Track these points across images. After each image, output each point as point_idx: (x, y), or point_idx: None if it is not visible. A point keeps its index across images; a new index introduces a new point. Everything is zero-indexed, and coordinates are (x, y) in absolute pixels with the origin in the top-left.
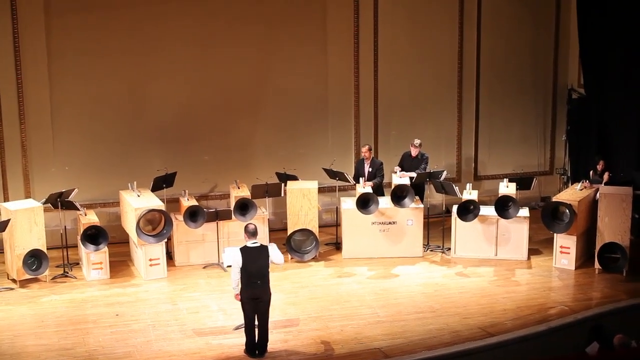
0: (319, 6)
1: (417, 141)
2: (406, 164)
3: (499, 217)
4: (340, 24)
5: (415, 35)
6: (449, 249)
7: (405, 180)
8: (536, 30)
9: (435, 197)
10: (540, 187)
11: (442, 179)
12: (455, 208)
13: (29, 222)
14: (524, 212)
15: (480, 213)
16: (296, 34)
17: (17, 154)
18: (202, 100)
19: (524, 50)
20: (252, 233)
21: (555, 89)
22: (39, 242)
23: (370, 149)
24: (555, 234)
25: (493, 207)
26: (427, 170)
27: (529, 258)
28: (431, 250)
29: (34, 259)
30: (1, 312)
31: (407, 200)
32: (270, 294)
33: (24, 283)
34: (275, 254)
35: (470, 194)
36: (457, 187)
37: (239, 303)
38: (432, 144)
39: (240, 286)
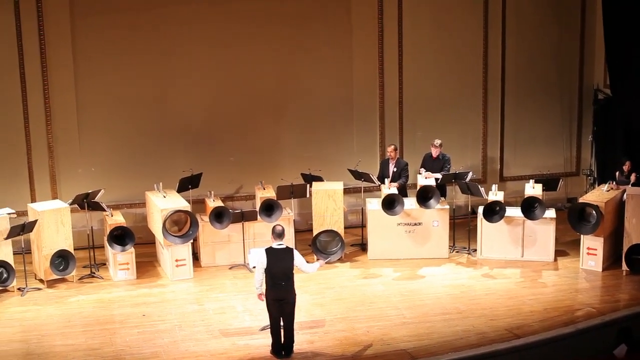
0: (344, 7)
1: (437, 141)
2: (427, 165)
3: (525, 219)
4: (365, 25)
5: (440, 36)
6: (475, 250)
7: (431, 181)
8: (561, 31)
9: (461, 198)
10: (566, 188)
11: (467, 179)
12: (481, 209)
13: (56, 223)
14: (551, 213)
15: (506, 214)
16: (321, 35)
17: (44, 155)
18: (227, 101)
19: (550, 51)
20: (278, 235)
21: (581, 89)
22: (66, 243)
23: (395, 149)
24: (582, 236)
25: (519, 208)
26: (451, 171)
27: (555, 259)
28: (457, 252)
29: (61, 259)
30: (29, 312)
31: (432, 202)
32: (295, 295)
33: (51, 283)
34: (304, 263)
35: (496, 195)
36: (482, 188)
37: (265, 304)
38: (458, 145)
39: (264, 286)
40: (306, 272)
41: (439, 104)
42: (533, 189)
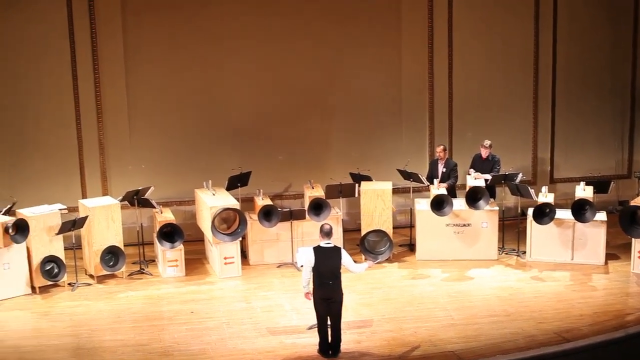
0: (394, 7)
1: (487, 142)
2: (477, 166)
3: (575, 221)
4: (415, 25)
5: (490, 37)
6: (524, 252)
7: (480, 182)
8: (614, 34)
9: (510, 200)
10: (617, 191)
11: (517, 181)
12: (530, 211)
13: (107, 219)
14: (601, 216)
15: (556, 216)
16: (371, 34)
17: (95, 152)
18: (277, 100)
19: (601, 52)
20: (326, 233)
21: (634, 91)
22: (116, 239)
23: (444, 149)
24: (633, 239)
25: (569, 210)
26: (501, 172)
27: (606, 263)
28: (506, 254)
29: (111, 255)
30: (79, 307)
31: (482, 203)
32: (342, 295)
33: (101, 279)
34: (351, 263)
35: (546, 196)
36: (532, 190)
37: (312, 303)
38: (508, 146)
39: (311, 285)
40: (354, 272)
41: (489, 104)
42: (584, 191)
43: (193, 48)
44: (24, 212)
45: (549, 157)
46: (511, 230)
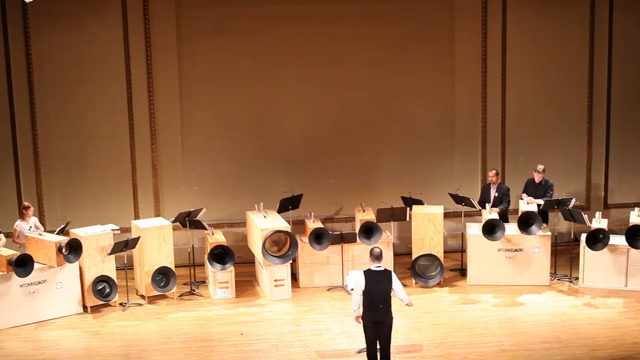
0: (447, 31)
1: (540, 167)
2: (530, 190)
3: (629, 247)
4: (469, 49)
5: (544, 61)
6: (577, 278)
7: (533, 207)
8: None
9: (563, 225)
10: None
11: (570, 206)
12: (584, 236)
13: (158, 240)
14: None
15: (610, 242)
16: (424, 58)
17: (148, 174)
18: (328, 123)
19: None
20: (376, 257)
21: None
22: (168, 260)
23: (497, 174)
24: None
25: (623, 236)
26: (554, 197)
27: None
28: (558, 279)
29: (162, 276)
30: (130, 327)
31: (534, 228)
32: (392, 319)
33: (152, 299)
34: (400, 289)
35: (599, 222)
36: (586, 215)
37: (362, 326)
38: (561, 171)
39: (361, 309)
40: (401, 298)
41: (542, 129)
42: (638, 217)
43: (246, 71)
44: (78, 232)
45: (602, 182)
46: (564, 256)
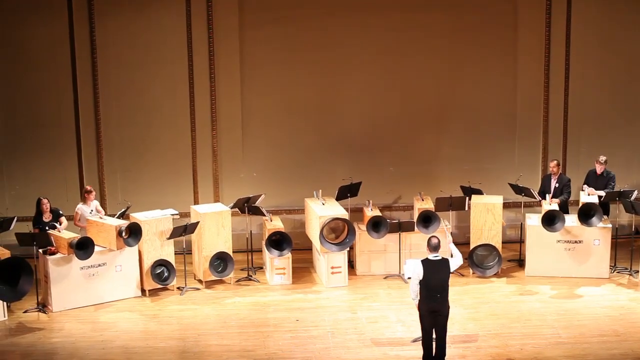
0: (510, 19)
1: (602, 158)
2: (591, 182)
3: None
4: (532, 38)
5: (608, 51)
6: (637, 271)
7: (594, 199)
8: None
9: (624, 217)
10: None
11: (632, 198)
12: None
13: (217, 226)
14: None
15: None
16: (486, 48)
17: (208, 159)
18: (389, 111)
19: None
20: (434, 247)
21: None
22: (226, 245)
23: (558, 164)
24: None
25: None
26: (616, 189)
27: None
28: (618, 272)
29: (220, 261)
30: (187, 311)
31: (594, 219)
32: (449, 308)
33: (209, 284)
34: (454, 262)
35: None
36: None
37: (417, 315)
38: (623, 162)
39: (419, 297)
40: (459, 264)
41: (605, 119)
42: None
43: (307, 58)
44: (138, 216)
45: None
46: (624, 249)
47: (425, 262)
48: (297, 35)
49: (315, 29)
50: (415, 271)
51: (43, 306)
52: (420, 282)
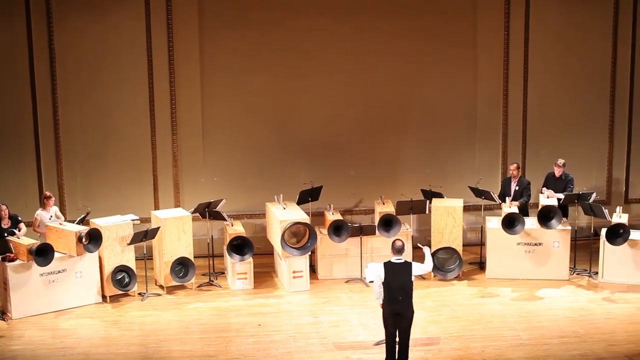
0: (470, 24)
1: (560, 161)
2: (550, 184)
3: None
4: (491, 41)
5: (566, 54)
6: (596, 273)
7: (553, 201)
8: None
9: (583, 220)
10: None
11: (591, 201)
12: (604, 231)
13: (178, 231)
14: None
15: (630, 237)
16: (445, 51)
17: (169, 164)
18: (349, 115)
19: None
20: (398, 250)
21: None
22: (187, 250)
23: (518, 167)
24: None
25: None
26: (575, 191)
27: None
28: (577, 274)
29: (181, 266)
30: (149, 317)
31: (554, 222)
32: (412, 311)
33: (170, 289)
34: (418, 265)
35: (620, 217)
36: (606, 210)
37: (380, 319)
38: (582, 165)
39: (382, 298)
40: (426, 271)
41: (564, 122)
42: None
43: (268, 62)
44: (98, 222)
45: (624, 177)
46: (583, 251)
47: (388, 265)
48: (257, 39)
49: (275, 33)
50: (377, 274)
51: (2, 313)
52: (383, 285)
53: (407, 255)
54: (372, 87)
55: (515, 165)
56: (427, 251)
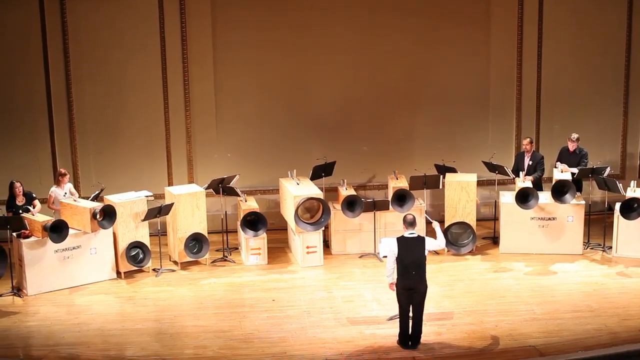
0: (484, 0)
1: (574, 135)
2: (564, 159)
3: None
4: (504, 16)
5: (581, 29)
6: (610, 247)
7: (567, 176)
8: None
9: (597, 194)
10: None
11: (605, 175)
12: (618, 206)
13: (192, 207)
14: None
15: None
16: (459, 26)
17: (182, 141)
18: (363, 91)
19: None
20: (410, 223)
21: None
22: (201, 226)
23: (531, 142)
24: None
25: None
26: (589, 166)
27: None
28: (591, 248)
29: (195, 242)
30: (163, 293)
31: (568, 196)
32: (426, 286)
33: (185, 265)
34: (431, 241)
35: (634, 191)
36: (620, 184)
37: (394, 293)
38: (596, 139)
39: (395, 275)
40: (440, 247)
41: (578, 97)
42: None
43: (279, 39)
44: (112, 199)
45: (638, 151)
46: (597, 225)
47: (401, 240)
48: (269, 16)
49: (288, 9)
50: (390, 249)
51: (18, 290)
52: (396, 260)
53: (420, 231)
54: (385, 64)
55: (528, 139)
56: (437, 227)
